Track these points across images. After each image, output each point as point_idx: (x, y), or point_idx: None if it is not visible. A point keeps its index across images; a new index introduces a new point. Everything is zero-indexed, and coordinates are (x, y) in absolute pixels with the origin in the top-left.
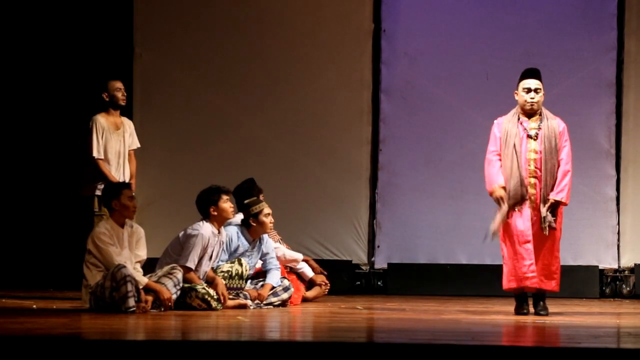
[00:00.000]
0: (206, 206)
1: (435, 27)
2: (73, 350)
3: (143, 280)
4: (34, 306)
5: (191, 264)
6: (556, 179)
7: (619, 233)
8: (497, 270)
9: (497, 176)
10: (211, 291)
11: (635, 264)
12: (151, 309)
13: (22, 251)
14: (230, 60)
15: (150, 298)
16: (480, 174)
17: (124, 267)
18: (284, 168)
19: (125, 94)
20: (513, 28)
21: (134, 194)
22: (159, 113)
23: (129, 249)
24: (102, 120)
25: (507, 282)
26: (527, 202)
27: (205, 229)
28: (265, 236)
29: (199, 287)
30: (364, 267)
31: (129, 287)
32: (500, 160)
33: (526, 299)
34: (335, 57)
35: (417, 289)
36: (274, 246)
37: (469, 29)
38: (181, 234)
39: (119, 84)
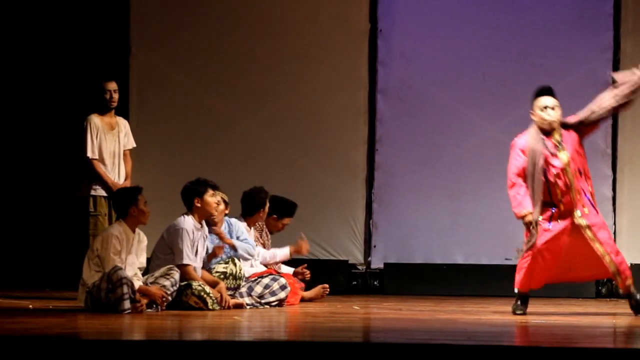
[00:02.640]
0: (191, 197)
1: (431, 27)
2: (69, 350)
3: (136, 284)
4: (30, 306)
5: (186, 259)
6: (587, 183)
7: (615, 233)
8: (493, 270)
9: (525, 200)
10: (207, 288)
11: (631, 264)
12: (147, 309)
13: (18, 251)
14: (226, 60)
15: (145, 300)
16: (477, 173)
17: (120, 269)
18: (281, 168)
19: (115, 96)
20: (509, 28)
21: None
22: (155, 113)
23: (135, 255)
24: (96, 121)
25: (524, 283)
26: (569, 216)
27: (187, 223)
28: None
29: (194, 284)
30: (360, 267)
31: (125, 289)
32: (525, 181)
33: (526, 298)
34: (332, 57)
35: (413, 288)
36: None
37: (466, 29)
38: (165, 233)
39: (110, 85)
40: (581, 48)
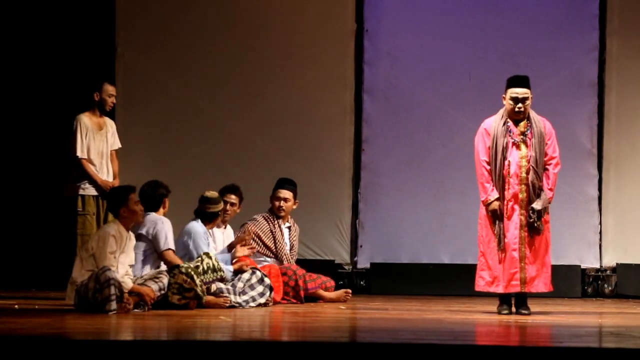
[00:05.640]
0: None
1: (417, 27)
2: (56, 350)
3: (129, 283)
4: (16, 306)
5: (172, 245)
6: (542, 183)
7: (600, 233)
8: None
9: (492, 188)
10: (194, 266)
11: (617, 264)
12: (134, 309)
13: (4, 251)
14: (213, 60)
15: (132, 300)
16: (463, 173)
17: (109, 269)
18: (267, 168)
19: (114, 100)
20: (496, 28)
21: None
22: (141, 113)
23: (126, 253)
24: (85, 120)
25: (488, 285)
26: (517, 209)
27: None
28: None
29: (182, 265)
30: (346, 267)
31: (112, 290)
32: (490, 168)
33: (509, 299)
34: (318, 57)
35: (399, 288)
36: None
37: (452, 29)
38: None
39: (112, 90)
40: (567, 48)
